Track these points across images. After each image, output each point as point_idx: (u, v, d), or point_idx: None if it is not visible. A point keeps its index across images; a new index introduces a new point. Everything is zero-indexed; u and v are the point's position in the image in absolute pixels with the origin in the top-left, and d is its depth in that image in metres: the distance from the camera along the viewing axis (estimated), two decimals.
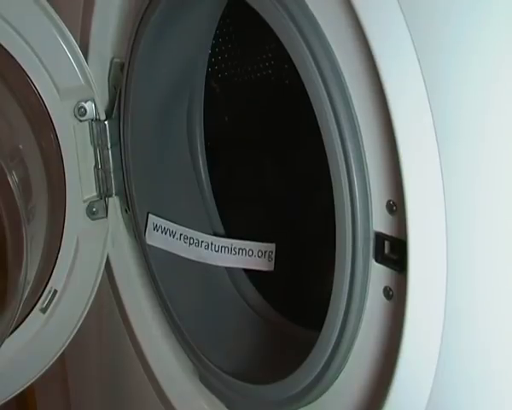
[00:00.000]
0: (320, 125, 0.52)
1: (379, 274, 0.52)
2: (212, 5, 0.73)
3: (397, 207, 0.49)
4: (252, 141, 0.93)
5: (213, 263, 0.76)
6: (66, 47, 0.72)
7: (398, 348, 0.50)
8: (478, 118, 0.43)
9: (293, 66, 0.53)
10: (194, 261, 0.76)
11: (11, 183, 0.59)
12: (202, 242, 0.75)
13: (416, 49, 0.44)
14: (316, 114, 0.52)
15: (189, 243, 0.75)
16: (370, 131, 0.50)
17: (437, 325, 0.47)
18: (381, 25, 0.46)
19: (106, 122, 0.74)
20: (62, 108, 0.73)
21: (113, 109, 0.75)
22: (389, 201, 0.50)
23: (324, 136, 0.52)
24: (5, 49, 0.71)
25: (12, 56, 0.71)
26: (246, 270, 0.79)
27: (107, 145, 0.75)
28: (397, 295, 0.51)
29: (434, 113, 0.44)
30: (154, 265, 0.75)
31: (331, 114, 0.51)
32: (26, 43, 0.71)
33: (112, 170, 0.76)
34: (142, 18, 0.67)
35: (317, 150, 0.54)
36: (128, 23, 0.71)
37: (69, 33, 0.72)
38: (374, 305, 0.53)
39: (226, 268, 0.79)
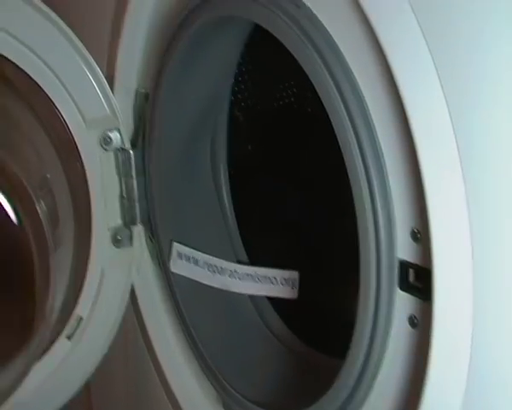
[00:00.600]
0: (343, 153, 0.52)
1: (404, 302, 0.52)
2: (235, 35, 0.74)
3: (421, 234, 0.49)
4: (275, 169, 0.93)
5: (237, 291, 0.76)
6: (93, 78, 0.74)
7: (424, 376, 0.49)
8: (504, 145, 0.43)
9: (316, 94, 0.53)
10: (217, 289, 0.76)
11: (39, 211, 0.60)
12: (226, 269, 0.76)
13: (439, 77, 0.44)
14: (339, 141, 0.52)
15: (213, 271, 0.75)
16: (394, 159, 0.50)
17: (464, 354, 0.46)
18: (405, 54, 0.46)
19: (131, 151, 0.75)
20: (88, 137, 0.74)
21: (138, 139, 0.76)
22: (413, 228, 0.49)
23: (347, 163, 0.52)
24: (33, 80, 0.73)
25: (40, 87, 0.73)
26: (269, 297, 0.79)
27: (132, 174, 0.76)
28: (422, 324, 0.51)
29: (459, 140, 0.44)
30: (178, 292, 0.75)
31: (354, 141, 0.51)
32: (54, 73, 0.73)
33: (137, 198, 0.76)
34: (167, 49, 0.68)
35: (340, 177, 0.54)
36: (153, 54, 0.72)
37: (95, 64, 0.73)
38: (399, 333, 0.53)
39: (249, 296, 0.79)
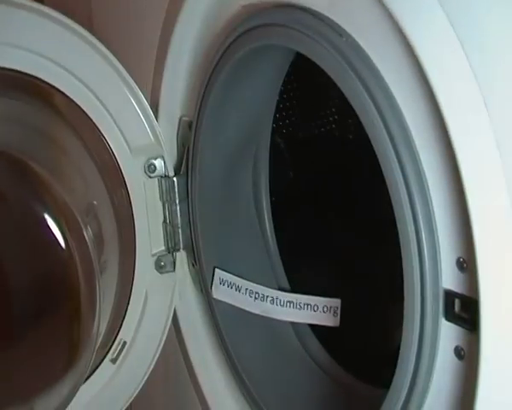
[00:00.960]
0: (386, 181, 0.52)
1: (449, 333, 0.51)
2: (277, 63, 0.74)
3: (467, 264, 0.48)
4: (317, 195, 0.93)
5: (278, 318, 0.76)
6: (138, 106, 0.75)
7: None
8: None
9: (358, 120, 0.53)
10: (259, 316, 0.76)
11: (86, 237, 0.62)
12: (267, 296, 0.76)
13: (485, 103, 0.44)
14: (382, 169, 0.52)
15: (255, 298, 0.75)
16: (439, 187, 0.49)
17: None
18: (450, 79, 0.46)
19: (174, 178, 0.76)
20: (133, 164, 0.76)
21: (181, 166, 0.77)
22: (459, 258, 0.49)
23: (391, 191, 0.51)
24: (81, 108, 0.75)
25: (87, 115, 0.75)
26: (311, 325, 0.79)
27: (175, 201, 0.76)
28: (469, 355, 0.49)
29: (506, 166, 0.43)
30: (220, 318, 0.76)
31: (398, 169, 0.51)
32: (100, 102, 0.74)
33: (180, 225, 0.77)
34: (209, 78, 0.69)
35: (383, 205, 0.53)
36: (196, 83, 0.74)
37: (140, 93, 0.75)
38: (444, 365, 0.51)
39: (291, 322, 0.79)
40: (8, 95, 0.74)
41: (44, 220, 0.60)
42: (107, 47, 0.74)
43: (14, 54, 0.71)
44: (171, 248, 0.78)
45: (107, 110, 0.75)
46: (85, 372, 0.64)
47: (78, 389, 0.64)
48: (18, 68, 0.72)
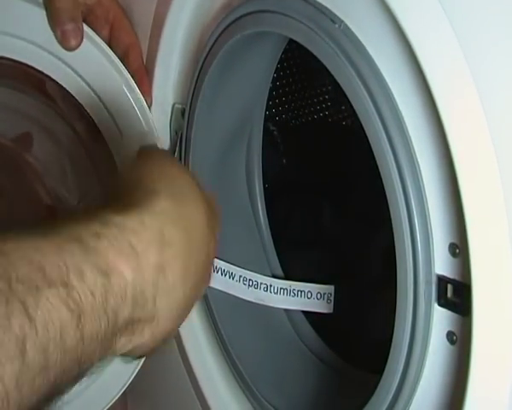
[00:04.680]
0: (379, 167, 0.52)
1: (442, 318, 0.51)
2: (270, 50, 0.74)
3: (460, 249, 0.48)
4: (310, 183, 0.93)
5: (272, 305, 0.76)
6: (130, 94, 0.75)
7: (464, 394, 0.48)
8: None
9: (351, 106, 0.53)
10: (253, 303, 0.76)
11: None
12: (261, 284, 0.76)
13: (478, 89, 0.44)
14: (375, 155, 0.52)
15: (248, 285, 0.76)
16: (431, 172, 0.50)
17: (505, 371, 0.45)
18: (443, 67, 0.46)
19: None
20: (126, 153, 0.75)
21: (174, 153, 0.76)
22: (452, 243, 0.49)
23: (384, 177, 0.52)
24: (73, 96, 0.74)
25: (79, 103, 0.75)
26: (304, 312, 0.79)
27: None
28: (461, 340, 0.50)
29: (498, 150, 0.43)
30: (214, 306, 0.76)
31: (391, 155, 0.51)
32: (92, 89, 0.74)
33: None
34: (202, 65, 0.69)
35: (376, 192, 0.54)
36: (189, 70, 0.73)
37: (132, 81, 0.74)
38: (437, 350, 0.52)
39: (285, 310, 0.79)
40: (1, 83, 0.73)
41: None
42: (99, 35, 0.74)
43: (6, 42, 0.71)
44: None
45: (99, 98, 0.75)
46: None
47: None
48: (10, 57, 0.71)
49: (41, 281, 0.37)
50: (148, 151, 0.60)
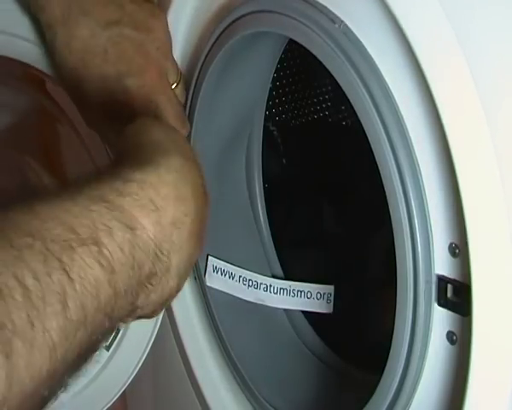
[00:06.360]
0: (379, 166, 0.52)
1: (442, 318, 0.51)
2: (270, 50, 0.74)
3: (460, 249, 0.48)
4: (310, 183, 0.93)
5: (272, 305, 0.76)
6: None
7: (464, 394, 0.48)
8: None
9: (351, 106, 0.53)
10: (252, 303, 0.76)
11: None
12: (261, 284, 0.76)
13: (477, 88, 0.44)
14: (375, 155, 0.52)
15: (248, 285, 0.76)
16: (432, 173, 0.50)
17: (505, 371, 0.45)
18: (442, 66, 0.46)
19: None
20: None
21: None
22: (452, 243, 0.49)
23: (384, 177, 0.52)
24: None
25: None
26: (304, 312, 0.79)
27: None
28: (461, 340, 0.50)
29: (498, 150, 0.43)
30: (214, 306, 0.76)
31: (390, 154, 0.51)
32: None
33: None
34: (202, 65, 0.69)
35: (376, 192, 0.54)
36: (189, 69, 0.73)
37: None
38: (437, 350, 0.52)
39: (285, 310, 0.79)
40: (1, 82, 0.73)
41: None
42: None
43: (7, 42, 0.71)
44: None
45: None
46: None
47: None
48: (10, 56, 0.71)
49: (74, 241, 0.39)
50: (151, 119, 0.61)
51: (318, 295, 0.75)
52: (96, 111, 0.67)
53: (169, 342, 0.84)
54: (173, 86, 0.71)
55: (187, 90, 0.72)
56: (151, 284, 0.45)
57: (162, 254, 0.45)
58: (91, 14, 0.64)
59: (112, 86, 0.66)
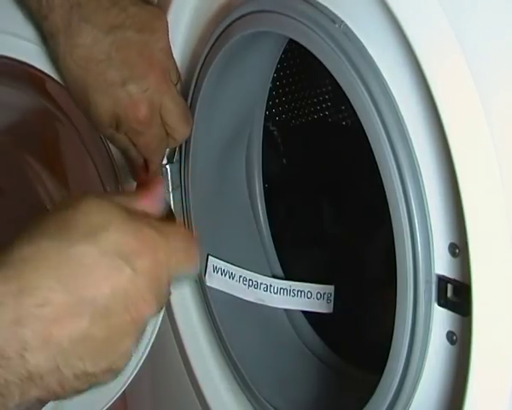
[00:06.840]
0: (379, 166, 0.52)
1: (442, 318, 0.51)
2: (270, 50, 0.74)
3: (460, 249, 0.48)
4: (310, 183, 0.93)
5: (272, 305, 0.76)
6: None
7: (464, 394, 0.48)
8: None
9: (351, 106, 0.53)
10: (253, 303, 0.76)
11: None
12: (261, 284, 0.76)
13: (478, 90, 0.44)
14: (375, 155, 0.52)
15: (248, 285, 0.76)
16: (432, 173, 0.50)
17: (505, 371, 0.45)
18: (442, 66, 0.46)
19: (167, 166, 0.76)
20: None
21: (174, 154, 0.76)
22: (452, 243, 0.49)
23: (384, 177, 0.52)
24: None
25: None
26: (304, 312, 0.79)
27: (168, 189, 0.76)
28: (461, 340, 0.50)
29: (498, 150, 0.43)
30: (214, 306, 0.76)
31: (390, 155, 0.51)
32: None
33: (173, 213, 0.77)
34: (202, 66, 0.69)
35: (376, 192, 0.54)
36: (189, 69, 0.73)
37: None
38: (437, 350, 0.52)
39: (285, 310, 0.79)
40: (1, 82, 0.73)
41: None
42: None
43: (6, 41, 0.71)
44: None
45: None
46: None
47: None
48: (11, 56, 0.71)
49: None
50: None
51: (318, 295, 0.75)
52: (104, 117, 0.67)
53: (169, 342, 0.84)
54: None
55: (187, 90, 0.72)
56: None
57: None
58: (93, 21, 0.64)
59: (116, 92, 0.65)
